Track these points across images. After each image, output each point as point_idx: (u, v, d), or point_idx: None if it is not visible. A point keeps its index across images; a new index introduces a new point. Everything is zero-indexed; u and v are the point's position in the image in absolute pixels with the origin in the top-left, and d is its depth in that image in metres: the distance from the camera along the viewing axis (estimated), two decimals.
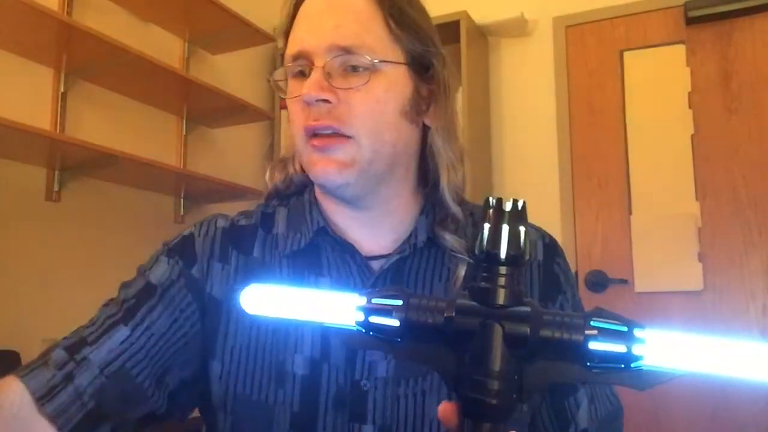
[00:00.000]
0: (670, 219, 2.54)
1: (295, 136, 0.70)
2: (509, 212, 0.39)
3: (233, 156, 2.76)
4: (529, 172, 2.81)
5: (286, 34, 0.73)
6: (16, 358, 1.72)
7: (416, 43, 0.71)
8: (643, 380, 0.39)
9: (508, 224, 0.39)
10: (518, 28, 2.85)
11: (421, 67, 0.71)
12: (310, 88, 0.65)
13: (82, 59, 2.00)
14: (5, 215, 1.87)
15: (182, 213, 2.46)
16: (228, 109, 2.47)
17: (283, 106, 2.95)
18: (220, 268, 0.71)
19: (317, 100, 0.65)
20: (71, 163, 2.00)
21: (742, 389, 2.29)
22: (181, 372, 0.67)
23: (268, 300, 0.44)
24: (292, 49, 0.69)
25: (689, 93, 2.59)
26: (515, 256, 0.39)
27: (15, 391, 0.59)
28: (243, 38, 2.55)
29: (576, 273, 2.62)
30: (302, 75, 0.69)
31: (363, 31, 0.67)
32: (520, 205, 0.39)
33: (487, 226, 0.39)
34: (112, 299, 0.70)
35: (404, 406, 0.66)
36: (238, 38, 2.54)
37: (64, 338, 0.65)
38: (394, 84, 0.69)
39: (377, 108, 0.67)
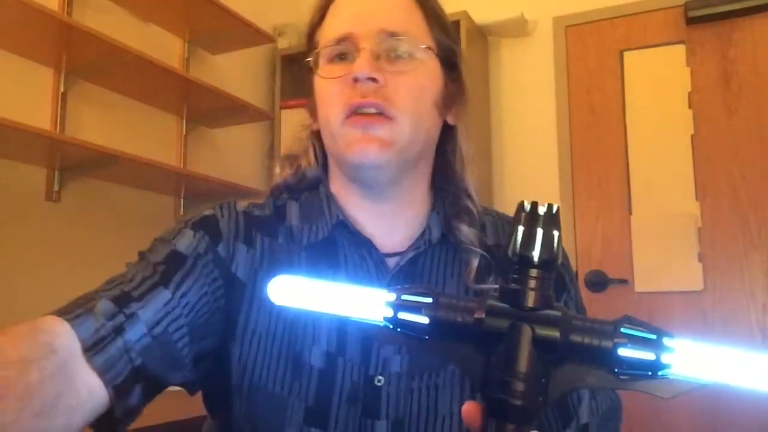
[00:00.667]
0: (670, 219, 2.54)
1: (330, 117, 0.70)
2: (543, 216, 0.39)
3: (233, 156, 2.76)
4: (529, 172, 2.81)
5: (314, 27, 0.75)
6: None
7: (446, 38, 0.74)
8: (668, 389, 0.39)
9: (543, 228, 0.39)
10: (518, 28, 2.85)
11: (449, 62, 0.74)
12: (362, 66, 0.66)
13: (82, 59, 2.00)
14: (5, 215, 1.87)
15: (182, 213, 2.46)
16: (228, 109, 2.47)
17: (283, 107, 2.95)
18: (245, 251, 0.70)
19: (367, 78, 0.66)
20: (71, 163, 2.00)
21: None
22: (201, 343, 0.65)
23: (296, 291, 0.44)
24: (336, 32, 0.70)
25: (689, 93, 2.59)
26: (548, 260, 0.39)
27: (65, 336, 0.54)
28: (243, 38, 2.55)
29: (576, 273, 2.62)
30: (340, 59, 0.70)
31: (408, 19, 0.71)
32: (554, 209, 0.39)
33: (521, 228, 0.39)
34: (136, 262, 0.67)
35: (417, 400, 0.66)
36: (238, 38, 2.54)
37: (103, 290, 0.61)
38: (431, 74, 0.72)
39: (419, 94, 0.70)
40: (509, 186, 2.83)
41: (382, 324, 0.42)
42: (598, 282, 2.60)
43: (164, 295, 0.62)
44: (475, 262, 0.72)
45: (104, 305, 0.58)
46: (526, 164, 2.83)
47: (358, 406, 0.66)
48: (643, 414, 2.43)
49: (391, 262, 0.72)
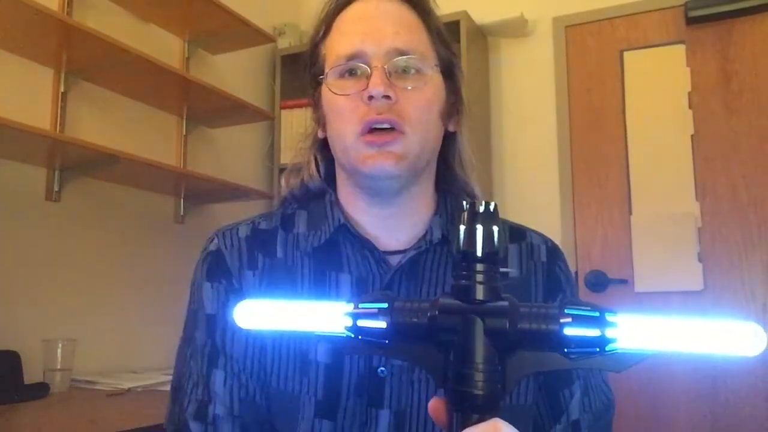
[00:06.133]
0: (670, 219, 2.54)
1: (346, 132, 0.73)
2: (482, 214, 0.42)
3: (233, 156, 2.76)
4: (529, 172, 2.81)
5: (319, 40, 0.79)
6: (16, 358, 1.72)
7: (448, 53, 0.79)
8: (619, 362, 0.41)
9: (482, 224, 0.41)
10: (518, 28, 2.85)
11: (449, 73, 0.79)
12: (376, 84, 0.70)
13: (82, 59, 2.00)
14: (5, 215, 1.87)
15: (182, 213, 2.46)
16: (228, 109, 2.47)
17: (284, 107, 2.95)
18: (251, 275, 0.76)
19: (382, 96, 0.70)
20: (71, 163, 2.00)
21: (740, 388, 2.29)
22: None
23: (260, 314, 0.46)
24: (347, 50, 0.74)
25: (689, 93, 2.59)
26: (490, 254, 0.41)
27: None
28: (243, 38, 2.55)
29: (576, 273, 2.62)
30: (350, 74, 0.74)
31: (416, 38, 0.75)
32: (492, 207, 0.42)
33: (462, 227, 0.42)
34: (187, 348, 0.75)
35: (418, 391, 0.70)
36: (238, 38, 2.54)
37: (181, 410, 0.72)
38: (437, 88, 0.76)
39: (428, 108, 0.74)
40: (509, 186, 2.83)
41: (345, 335, 0.44)
42: (598, 282, 2.60)
43: (219, 376, 0.72)
44: None
45: (195, 429, 0.71)
46: (526, 164, 2.83)
47: (365, 396, 0.70)
48: (642, 412, 2.43)
49: (394, 260, 0.75)
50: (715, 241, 2.47)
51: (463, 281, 0.42)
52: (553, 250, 0.82)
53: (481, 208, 0.41)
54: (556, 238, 0.85)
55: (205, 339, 0.74)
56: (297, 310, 0.46)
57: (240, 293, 0.74)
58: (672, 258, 2.51)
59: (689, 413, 2.40)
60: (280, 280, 0.75)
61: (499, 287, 0.42)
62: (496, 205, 0.42)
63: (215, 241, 0.78)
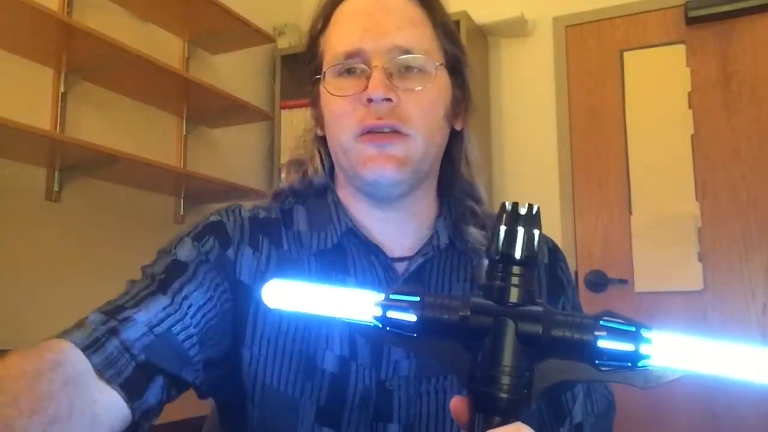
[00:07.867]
0: (670, 219, 2.54)
1: (343, 133, 0.69)
2: (524, 216, 0.41)
3: (233, 156, 2.76)
4: (529, 172, 2.81)
5: (317, 33, 0.74)
6: None
7: (454, 49, 0.74)
8: (648, 378, 0.41)
9: (523, 227, 0.40)
10: (518, 28, 2.85)
11: (456, 72, 0.75)
12: (376, 87, 0.66)
13: (82, 59, 2.00)
14: (5, 215, 1.87)
15: (182, 213, 2.46)
16: (228, 109, 2.47)
17: (284, 107, 2.95)
18: (251, 253, 0.70)
19: (383, 99, 0.66)
20: (71, 163, 2.00)
21: (742, 389, 2.29)
22: (212, 348, 0.65)
23: (290, 295, 0.45)
24: (345, 47, 0.69)
25: (689, 93, 2.59)
26: (529, 257, 0.40)
27: (69, 350, 0.54)
28: (243, 38, 2.55)
29: (576, 273, 2.62)
30: (349, 73, 0.69)
31: (420, 34, 0.70)
32: (534, 209, 0.41)
33: (503, 228, 0.41)
34: (135, 279, 0.66)
35: (426, 403, 0.67)
36: (238, 38, 2.54)
37: (96, 309, 0.61)
38: (441, 87, 0.72)
39: (431, 109, 0.70)
40: (509, 186, 2.83)
41: (372, 324, 0.43)
42: (598, 282, 2.60)
43: (162, 300, 0.61)
44: (485, 262, 0.73)
45: (94, 317, 0.59)
46: (526, 164, 2.83)
47: (370, 409, 0.66)
48: (643, 413, 2.43)
49: (400, 267, 0.73)
50: (715, 241, 2.48)
51: (498, 282, 0.41)
52: (554, 251, 0.80)
53: (524, 210, 0.41)
54: (556, 238, 0.84)
55: (161, 271, 0.65)
56: (327, 294, 0.45)
57: (227, 267, 0.67)
58: (672, 258, 2.51)
59: (690, 413, 2.39)
60: (289, 270, 0.70)
61: (534, 292, 0.41)
62: (539, 208, 0.41)
63: (218, 215, 0.72)
